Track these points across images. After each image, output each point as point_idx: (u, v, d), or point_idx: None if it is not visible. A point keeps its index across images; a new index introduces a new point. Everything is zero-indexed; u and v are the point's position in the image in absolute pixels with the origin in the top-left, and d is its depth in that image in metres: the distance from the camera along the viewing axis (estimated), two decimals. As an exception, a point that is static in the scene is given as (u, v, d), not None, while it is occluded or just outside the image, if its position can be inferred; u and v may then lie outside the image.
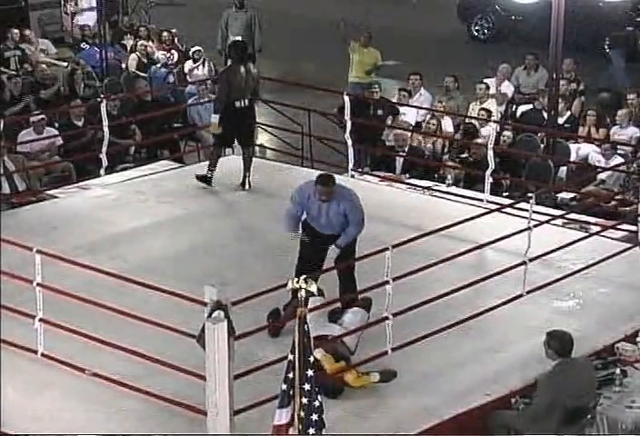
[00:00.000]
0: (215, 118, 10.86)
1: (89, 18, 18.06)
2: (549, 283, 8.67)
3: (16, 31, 16.32)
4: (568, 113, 13.34)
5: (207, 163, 11.32)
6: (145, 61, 16.09)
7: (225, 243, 9.89)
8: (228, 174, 11.46)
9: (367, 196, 10.82)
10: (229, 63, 11.44)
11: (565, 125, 13.14)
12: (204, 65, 15.70)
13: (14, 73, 15.23)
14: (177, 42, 16.91)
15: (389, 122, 13.59)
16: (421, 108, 13.77)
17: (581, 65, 15.05)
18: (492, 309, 8.24)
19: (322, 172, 8.60)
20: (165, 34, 16.77)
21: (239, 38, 11.90)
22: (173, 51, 16.45)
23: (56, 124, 13.06)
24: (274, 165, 12.09)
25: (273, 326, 7.92)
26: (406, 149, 12.53)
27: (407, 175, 12.20)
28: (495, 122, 11.90)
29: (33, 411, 7.33)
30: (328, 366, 7.39)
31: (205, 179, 11.17)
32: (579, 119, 13.41)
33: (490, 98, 14.00)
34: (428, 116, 13.53)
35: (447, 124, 13.43)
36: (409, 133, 12.91)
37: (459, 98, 14.25)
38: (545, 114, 13.12)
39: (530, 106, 13.87)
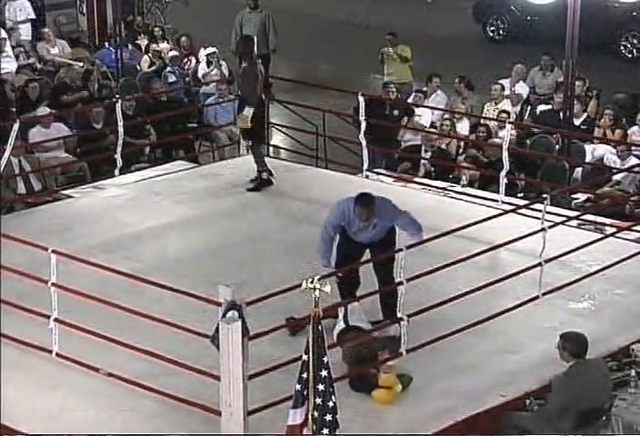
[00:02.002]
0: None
1: (25, 31, 17.79)
2: (565, 285, 8.64)
3: None
4: (585, 114, 13.27)
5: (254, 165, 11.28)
6: (157, 63, 16.07)
7: (238, 244, 9.88)
8: (242, 175, 11.48)
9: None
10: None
11: (582, 127, 13.07)
12: (218, 68, 15.60)
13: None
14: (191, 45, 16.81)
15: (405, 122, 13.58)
16: (436, 109, 13.74)
17: (595, 65, 14.99)
18: (507, 310, 8.21)
19: (363, 193, 8.10)
20: (183, 38, 16.66)
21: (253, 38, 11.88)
22: (191, 57, 16.34)
23: (71, 122, 13.09)
24: (287, 165, 12.07)
25: (292, 325, 7.91)
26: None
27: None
28: (510, 122, 11.88)
29: (47, 410, 7.35)
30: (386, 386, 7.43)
31: (264, 184, 11.17)
32: (594, 120, 13.35)
33: (505, 99, 13.96)
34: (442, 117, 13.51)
35: (464, 127, 13.35)
36: (433, 136, 12.98)
37: (473, 99, 14.20)
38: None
39: (548, 106, 13.80)
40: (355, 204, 7.97)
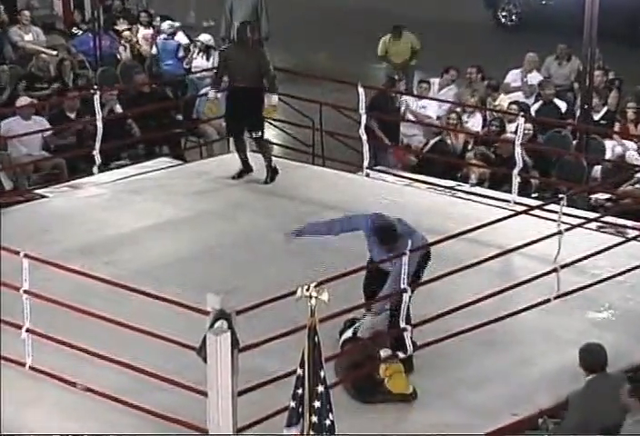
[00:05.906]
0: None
1: None
2: (580, 290, 8.64)
3: None
4: (604, 108, 13.25)
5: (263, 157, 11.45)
6: (136, 52, 16.08)
7: (229, 247, 9.90)
8: (232, 173, 11.50)
9: (385, 197, 10.88)
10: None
11: (602, 122, 13.09)
12: (207, 59, 15.54)
13: None
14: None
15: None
16: (444, 101, 13.75)
17: (615, 55, 15.03)
18: (519, 317, 8.22)
19: (378, 216, 7.93)
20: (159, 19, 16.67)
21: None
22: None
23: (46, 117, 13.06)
24: (282, 163, 12.07)
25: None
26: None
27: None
28: (522, 116, 11.91)
29: (23, 426, 7.34)
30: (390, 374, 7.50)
31: (274, 173, 11.40)
32: (615, 113, 13.37)
33: (504, 94, 14.04)
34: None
35: (477, 122, 13.35)
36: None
37: (481, 90, 14.23)
38: (563, 108, 13.20)
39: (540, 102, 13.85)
40: (374, 234, 7.82)
